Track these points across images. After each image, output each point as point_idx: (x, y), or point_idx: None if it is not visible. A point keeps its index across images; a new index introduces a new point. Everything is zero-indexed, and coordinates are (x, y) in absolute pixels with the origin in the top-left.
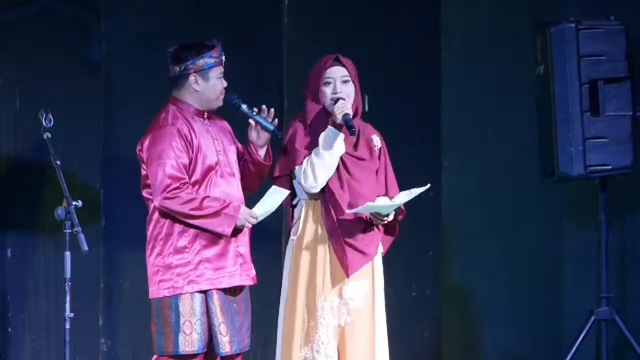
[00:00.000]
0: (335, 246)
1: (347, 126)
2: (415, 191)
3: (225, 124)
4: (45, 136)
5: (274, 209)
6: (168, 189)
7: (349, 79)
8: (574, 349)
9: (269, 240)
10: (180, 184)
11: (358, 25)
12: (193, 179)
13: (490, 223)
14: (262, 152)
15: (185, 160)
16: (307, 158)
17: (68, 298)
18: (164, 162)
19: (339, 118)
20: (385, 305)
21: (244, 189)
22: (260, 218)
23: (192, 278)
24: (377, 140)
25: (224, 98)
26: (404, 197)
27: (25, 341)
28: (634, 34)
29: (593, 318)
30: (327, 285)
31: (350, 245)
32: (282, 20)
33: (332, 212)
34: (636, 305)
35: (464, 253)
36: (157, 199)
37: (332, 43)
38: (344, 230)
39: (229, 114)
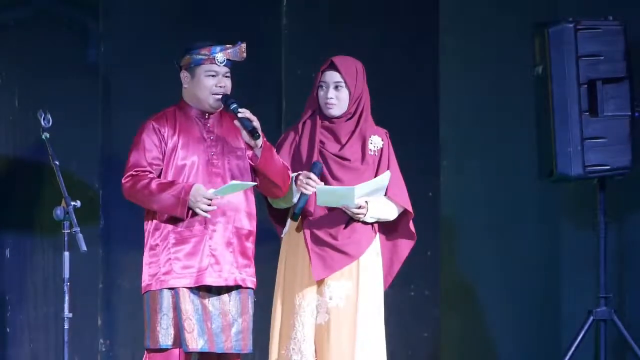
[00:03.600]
0: (307, 247)
1: (296, 206)
2: (376, 180)
3: (237, 130)
4: (43, 136)
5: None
6: (125, 176)
7: (342, 84)
8: (572, 349)
9: (269, 240)
10: (135, 170)
11: (357, 26)
12: (166, 175)
13: (489, 223)
14: (257, 152)
15: (155, 155)
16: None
17: (67, 298)
18: (131, 153)
19: (297, 195)
20: (384, 305)
21: (265, 195)
22: (216, 200)
23: (159, 275)
24: (377, 141)
25: (222, 99)
26: (365, 184)
27: (24, 341)
28: (632, 34)
29: (592, 318)
30: (307, 283)
31: (329, 245)
32: (281, 21)
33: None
34: (635, 305)
35: (462, 253)
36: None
37: (331, 44)
38: (321, 230)
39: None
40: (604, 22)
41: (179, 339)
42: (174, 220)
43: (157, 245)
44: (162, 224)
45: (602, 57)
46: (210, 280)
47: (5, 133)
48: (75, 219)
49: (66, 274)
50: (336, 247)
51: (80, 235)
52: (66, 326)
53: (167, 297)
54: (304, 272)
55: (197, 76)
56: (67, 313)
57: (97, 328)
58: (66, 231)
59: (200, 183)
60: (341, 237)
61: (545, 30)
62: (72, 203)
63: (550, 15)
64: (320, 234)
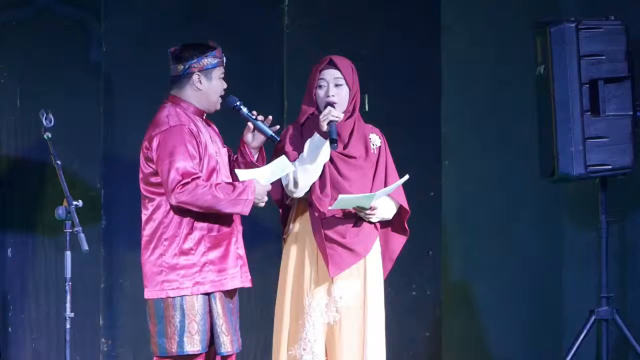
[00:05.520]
0: (319, 245)
1: (330, 138)
2: (394, 184)
3: (216, 128)
4: (45, 136)
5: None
6: (179, 184)
7: (343, 82)
8: (574, 348)
9: (269, 240)
10: (192, 178)
11: (358, 25)
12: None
13: (490, 223)
14: (255, 154)
15: (198, 160)
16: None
17: (68, 298)
18: (176, 159)
19: (324, 126)
20: (386, 304)
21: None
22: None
23: (197, 280)
24: (376, 140)
25: (224, 100)
26: (384, 189)
27: (26, 341)
28: (634, 34)
29: (593, 318)
30: (315, 283)
31: (338, 243)
32: (283, 20)
33: (314, 211)
34: (636, 304)
35: (464, 253)
36: (171, 196)
37: (333, 43)
38: (330, 229)
39: (225, 115)
40: (605, 22)
41: (210, 343)
42: (206, 223)
43: (191, 249)
44: (196, 228)
45: (603, 57)
46: (242, 282)
47: (7, 133)
48: (77, 219)
49: (68, 274)
50: (345, 245)
51: (82, 235)
52: (68, 325)
53: (203, 301)
54: (312, 271)
55: (213, 79)
56: (68, 312)
57: (98, 327)
58: (68, 231)
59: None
60: (349, 235)
61: (547, 29)
62: (74, 203)
63: (552, 15)
64: (330, 233)
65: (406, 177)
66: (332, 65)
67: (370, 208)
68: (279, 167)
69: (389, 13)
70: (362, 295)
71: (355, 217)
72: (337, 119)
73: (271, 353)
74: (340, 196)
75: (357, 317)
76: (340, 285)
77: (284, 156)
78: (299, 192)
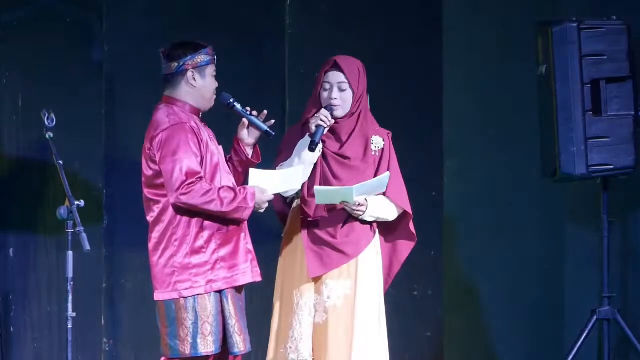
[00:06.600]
0: (304, 245)
1: (311, 139)
2: (375, 180)
3: (209, 130)
4: (47, 136)
5: (284, 189)
6: (183, 184)
7: (346, 86)
8: (575, 348)
9: (270, 239)
10: (196, 178)
11: (360, 25)
12: (204, 175)
13: (492, 223)
14: (249, 150)
15: (199, 157)
16: (281, 163)
17: (70, 297)
18: (179, 158)
19: (312, 128)
20: (387, 304)
21: None
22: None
23: (210, 277)
24: (378, 141)
25: (217, 98)
26: (364, 183)
27: (27, 341)
28: (635, 34)
29: (595, 317)
30: (305, 281)
31: (327, 243)
32: (285, 20)
33: (301, 211)
34: (638, 304)
35: (466, 253)
36: (173, 195)
37: (335, 43)
38: (320, 229)
39: (220, 113)
40: (607, 22)
41: (223, 343)
42: (214, 221)
43: (202, 247)
44: (205, 226)
45: (605, 57)
46: (253, 277)
47: (9, 132)
48: (78, 218)
49: (69, 273)
50: (334, 245)
51: (83, 235)
52: (69, 325)
53: (215, 301)
54: (302, 270)
55: (206, 76)
56: (70, 312)
57: (100, 327)
58: (69, 230)
59: (226, 180)
60: (339, 235)
61: (549, 29)
62: (76, 202)
63: (554, 15)
64: (319, 232)
65: (387, 173)
66: (337, 67)
67: (359, 204)
68: (291, 177)
69: (391, 13)
70: (352, 296)
71: (346, 217)
72: (324, 124)
73: None
74: (316, 187)
75: (345, 317)
76: (329, 285)
77: (301, 168)
78: (289, 191)
